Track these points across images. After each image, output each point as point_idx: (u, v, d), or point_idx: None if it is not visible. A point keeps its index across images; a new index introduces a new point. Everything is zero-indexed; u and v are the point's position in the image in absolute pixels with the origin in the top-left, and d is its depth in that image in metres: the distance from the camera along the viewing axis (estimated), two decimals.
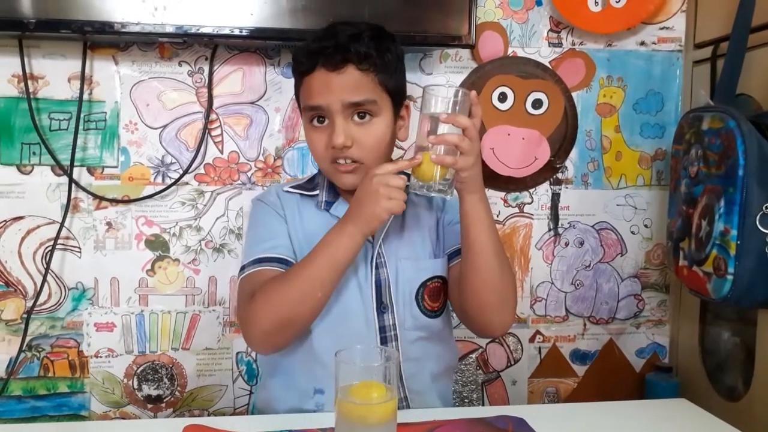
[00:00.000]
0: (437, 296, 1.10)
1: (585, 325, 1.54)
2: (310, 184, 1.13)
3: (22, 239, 1.35)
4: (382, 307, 1.05)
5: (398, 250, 1.07)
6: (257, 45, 1.38)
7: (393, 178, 0.94)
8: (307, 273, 0.97)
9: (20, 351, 1.35)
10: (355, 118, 1.01)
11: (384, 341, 1.04)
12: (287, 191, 1.12)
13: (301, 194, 1.11)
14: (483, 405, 1.51)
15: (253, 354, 1.43)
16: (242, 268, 1.06)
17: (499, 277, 1.00)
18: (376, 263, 1.05)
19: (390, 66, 1.04)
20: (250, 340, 1.03)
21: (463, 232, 1.00)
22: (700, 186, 1.20)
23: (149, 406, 1.42)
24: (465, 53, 1.43)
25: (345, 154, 1.01)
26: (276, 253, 1.04)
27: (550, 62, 1.46)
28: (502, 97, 1.41)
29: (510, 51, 1.45)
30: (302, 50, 1.04)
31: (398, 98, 1.07)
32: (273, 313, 0.97)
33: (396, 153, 1.44)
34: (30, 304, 1.35)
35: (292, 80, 1.36)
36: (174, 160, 1.38)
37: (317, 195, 1.10)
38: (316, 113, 1.02)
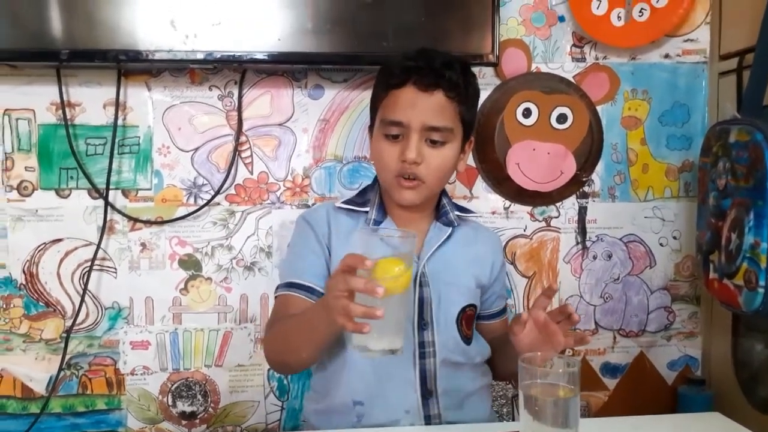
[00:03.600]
0: (470, 323, 1.13)
1: (615, 338, 1.54)
2: (360, 198, 1.15)
3: (61, 261, 1.40)
4: (423, 324, 1.07)
5: (442, 274, 1.10)
6: (284, 69, 1.41)
7: (340, 295, 0.83)
8: (294, 333, 1.01)
9: (60, 369, 1.39)
10: (429, 141, 1.05)
11: (423, 356, 1.06)
12: (339, 207, 1.14)
13: (350, 210, 1.13)
14: (513, 420, 1.51)
15: None
16: (278, 287, 1.11)
17: None
18: (421, 281, 1.07)
19: (471, 99, 1.10)
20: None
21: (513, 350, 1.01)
22: (728, 199, 1.20)
23: (183, 422, 1.45)
24: (488, 70, 1.45)
25: (413, 170, 1.04)
26: (305, 281, 1.08)
27: (573, 77, 1.47)
28: (527, 113, 1.42)
29: (533, 67, 1.46)
30: (395, 65, 1.07)
31: (468, 131, 1.11)
32: (272, 351, 1.07)
33: None
34: (69, 323, 1.39)
35: (319, 101, 1.43)
36: (206, 182, 1.42)
37: (368, 212, 1.12)
38: (394, 129, 1.05)
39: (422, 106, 1.03)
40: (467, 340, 1.12)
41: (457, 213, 1.16)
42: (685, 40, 1.49)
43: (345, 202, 1.14)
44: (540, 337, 0.96)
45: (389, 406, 1.05)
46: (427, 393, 1.06)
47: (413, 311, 1.06)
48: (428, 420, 1.06)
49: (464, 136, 1.10)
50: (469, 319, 1.13)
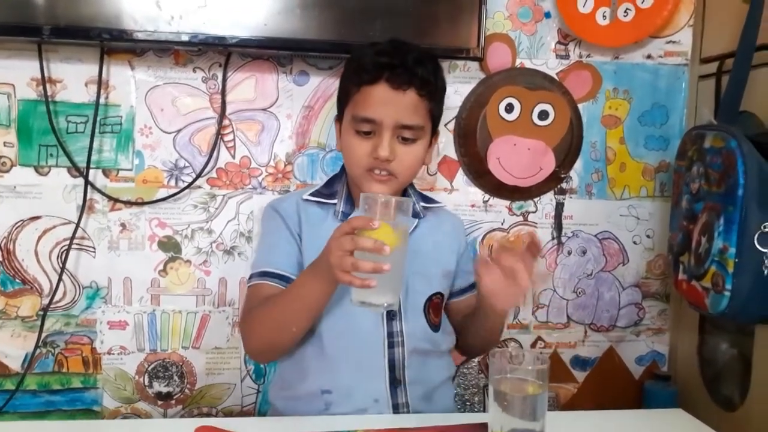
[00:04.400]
0: (438, 311, 1.16)
1: (586, 332, 1.57)
2: (327, 189, 1.16)
3: (39, 238, 1.39)
4: (390, 314, 1.09)
5: (409, 264, 1.10)
6: (270, 53, 1.40)
7: (344, 254, 0.88)
8: (283, 310, 1.02)
9: (36, 347, 1.39)
10: (400, 138, 1.06)
11: (391, 345, 1.08)
12: (306, 199, 1.15)
13: (319, 202, 1.14)
14: (485, 409, 1.55)
15: None
16: (251, 276, 1.12)
17: (493, 341, 1.19)
18: None
19: (441, 95, 1.11)
20: (246, 352, 1.17)
21: (481, 310, 1.08)
22: (700, 202, 1.22)
23: (159, 402, 1.46)
24: (473, 64, 1.45)
25: (385, 166, 1.05)
26: (279, 270, 1.09)
27: (557, 74, 1.48)
28: (509, 108, 1.43)
29: (518, 62, 1.47)
30: (367, 60, 1.07)
31: (436, 126, 1.13)
32: (257, 336, 1.06)
33: None
34: (46, 301, 1.39)
35: (304, 88, 1.43)
36: (187, 164, 1.42)
37: (335, 204, 1.13)
38: (366, 126, 1.05)
39: (395, 105, 1.04)
40: (435, 327, 1.14)
41: (423, 204, 1.18)
42: (668, 42, 1.51)
43: (312, 195, 1.15)
44: (504, 280, 0.96)
45: (358, 394, 1.07)
46: (395, 382, 1.08)
47: None
48: (396, 409, 1.08)
49: (432, 130, 1.11)
50: (436, 307, 1.15)
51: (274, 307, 1.03)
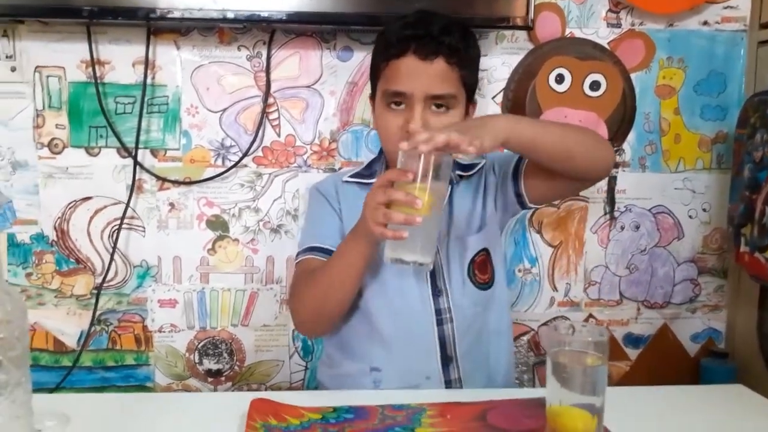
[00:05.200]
0: (485, 268, 1.12)
1: (639, 309, 1.53)
2: (367, 170, 1.16)
3: (91, 219, 1.42)
4: (437, 291, 1.08)
5: (450, 231, 1.09)
6: (313, 29, 1.39)
7: (378, 206, 0.89)
8: (328, 275, 1.03)
9: (91, 325, 1.42)
10: (433, 107, 1.03)
11: (440, 323, 1.07)
12: (346, 181, 1.15)
13: (358, 183, 1.14)
14: (534, 386, 1.53)
15: None
16: (298, 254, 1.12)
17: (586, 144, 1.02)
18: None
19: (473, 63, 1.08)
20: (295, 326, 1.13)
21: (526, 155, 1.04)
22: (765, 171, 1.17)
23: (210, 379, 1.48)
24: (521, 34, 1.42)
25: None
26: (326, 245, 1.09)
27: (608, 43, 1.43)
28: (560, 79, 1.39)
29: (567, 32, 1.43)
30: (393, 34, 1.05)
31: (471, 95, 1.09)
32: (304, 306, 1.06)
33: None
34: (99, 280, 1.42)
35: (348, 64, 1.41)
36: (233, 143, 1.42)
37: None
38: (396, 98, 1.04)
39: (424, 75, 1.02)
40: (484, 284, 1.11)
41: (459, 173, 1.14)
42: (725, 7, 1.44)
43: (352, 176, 1.15)
44: None
45: (409, 372, 1.06)
46: (447, 359, 1.07)
47: (425, 279, 1.07)
48: (449, 385, 1.07)
49: (468, 99, 1.08)
50: (482, 265, 1.12)
51: (320, 275, 1.03)
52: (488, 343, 1.11)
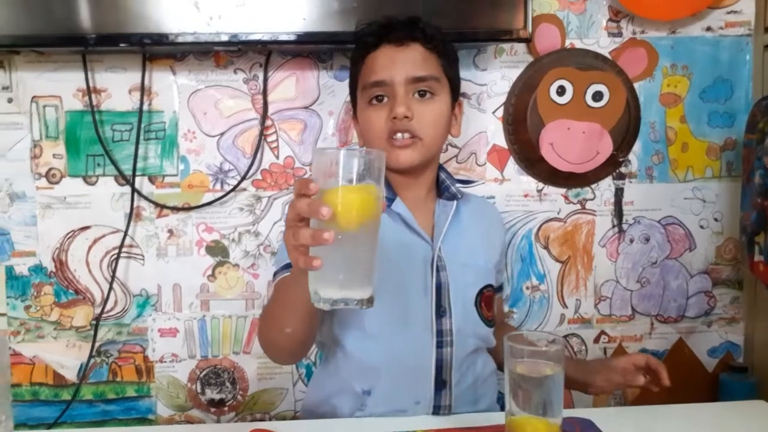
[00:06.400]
0: (490, 305, 1.09)
1: (652, 324, 1.49)
2: None
3: (89, 248, 1.39)
4: (440, 311, 1.03)
5: (458, 254, 1.05)
6: (310, 49, 1.38)
7: (293, 225, 0.71)
8: (273, 309, 0.94)
9: (90, 357, 1.39)
10: (416, 95, 1.01)
11: (440, 345, 1.02)
12: None
13: None
14: None
15: (312, 357, 1.43)
16: (275, 273, 1.02)
17: None
18: (437, 265, 1.03)
19: (450, 56, 1.06)
20: None
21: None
22: None
23: (212, 409, 1.44)
24: (521, 47, 1.40)
25: (405, 125, 0.99)
26: None
27: (609, 53, 1.41)
28: (561, 91, 1.37)
29: (567, 43, 1.40)
30: (365, 32, 1.05)
31: (455, 90, 1.07)
32: (260, 335, 0.99)
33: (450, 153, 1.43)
34: (98, 311, 1.39)
35: (345, 83, 1.38)
36: (232, 167, 1.40)
37: None
38: (377, 90, 1.01)
39: (401, 61, 1.00)
40: (488, 322, 1.07)
41: (459, 185, 1.11)
42: (729, 12, 1.42)
43: None
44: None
45: (399, 395, 1.01)
46: (441, 384, 1.02)
47: (431, 298, 1.02)
48: (437, 411, 1.01)
49: (452, 95, 1.05)
50: (488, 301, 1.08)
51: (269, 311, 0.96)
52: (481, 366, 1.08)
